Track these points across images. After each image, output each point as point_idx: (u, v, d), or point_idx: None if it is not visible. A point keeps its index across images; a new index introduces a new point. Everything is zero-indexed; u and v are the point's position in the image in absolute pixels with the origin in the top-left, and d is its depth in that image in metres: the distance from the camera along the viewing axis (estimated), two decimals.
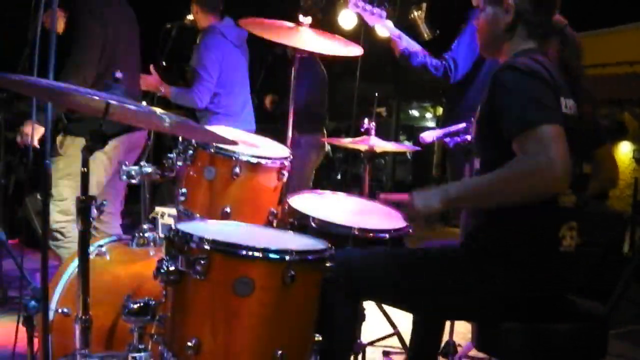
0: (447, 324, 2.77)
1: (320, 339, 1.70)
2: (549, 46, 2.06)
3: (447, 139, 2.78)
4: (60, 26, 3.11)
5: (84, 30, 3.00)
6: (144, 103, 3.18)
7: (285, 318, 1.60)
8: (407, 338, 2.51)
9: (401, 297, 1.93)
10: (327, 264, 1.67)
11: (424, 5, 3.52)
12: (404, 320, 2.65)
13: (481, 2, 2.00)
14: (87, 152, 1.66)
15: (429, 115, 12.63)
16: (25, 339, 1.84)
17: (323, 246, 1.73)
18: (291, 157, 2.37)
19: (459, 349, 3.08)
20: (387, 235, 2.16)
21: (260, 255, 1.57)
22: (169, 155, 2.26)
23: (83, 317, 1.68)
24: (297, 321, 1.64)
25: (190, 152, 2.21)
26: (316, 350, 1.70)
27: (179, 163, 2.24)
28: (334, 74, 5.04)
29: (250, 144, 2.40)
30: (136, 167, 2.15)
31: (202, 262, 1.55)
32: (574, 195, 1.85)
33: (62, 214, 3.06)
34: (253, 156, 2.22)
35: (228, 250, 1.57)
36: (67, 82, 2.13)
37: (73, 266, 2.10)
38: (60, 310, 2.02)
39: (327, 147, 4.76)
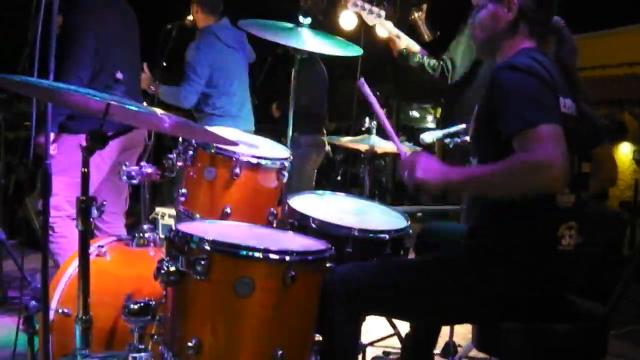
0: None
1: (320, 339, 1.71)
2: (547, 46, 2.05)
3: (447, 140, 2.78)
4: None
5: (76, 31, 3.00)
6: (144, 103, 3.18)
7: (286, 318, 1.61)
8: None
9: (401, 298, 1.92)
10: (327, 265, 1.67)
11: (424, 6, 3.53)
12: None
13: None
14: (87, 152, 1.66)
15: (429, 116, 12.61)
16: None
17: (323, 247, 1.73)
18: (291, 157, 2.37)
19: (459, 349, 3.08)
20: (387, 236, 2.14)
21: (261, 256, 1.57)
22: (169, 155, 2.25)
23: (83, 317, 1.68)
24: (297, 321, 1.65)
25: (191, 152, 2.21)
26: (316, 350, 1.70)
27: (179, 163, 2.24)
28: (334, 74, 5.03)
29: (249, 145, 2.40)
30: (136, 168, 2.15)
31: (203, 262, 1.55)
32: (573, 194, 1.85)
33: (53, 210, 3.03)
34: (253, 156, 2.23)
35: (228, 250, 1.58)
36: (63, 81, 2.13)
37: (73, 266, 2.11)
38: (60, 311, 2.02)
39: (327, 147, 4.75)
